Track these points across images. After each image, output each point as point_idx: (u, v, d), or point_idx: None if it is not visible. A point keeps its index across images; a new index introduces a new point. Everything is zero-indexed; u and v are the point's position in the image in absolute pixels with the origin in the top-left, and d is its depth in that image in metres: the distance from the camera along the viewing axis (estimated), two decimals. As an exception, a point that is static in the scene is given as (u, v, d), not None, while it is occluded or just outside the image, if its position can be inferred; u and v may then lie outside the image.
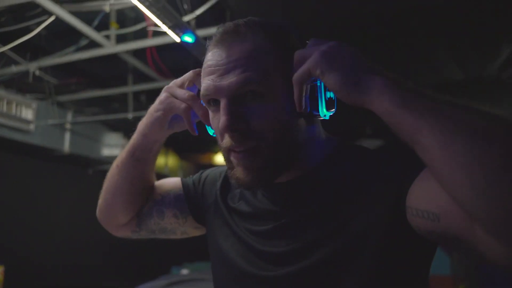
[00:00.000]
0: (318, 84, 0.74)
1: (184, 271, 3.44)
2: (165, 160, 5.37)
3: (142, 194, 1.03)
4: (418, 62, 2.83)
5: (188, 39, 2.05)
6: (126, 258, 4.78)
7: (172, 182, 1.08)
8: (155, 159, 1.02)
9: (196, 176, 1.07)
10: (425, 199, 0.64)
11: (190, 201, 1.03)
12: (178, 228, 1.05)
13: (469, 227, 0.55)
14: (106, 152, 4.32)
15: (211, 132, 0.86)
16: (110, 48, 2.67)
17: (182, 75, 3.02)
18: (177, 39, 2.07)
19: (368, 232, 0.71)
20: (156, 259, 4.96)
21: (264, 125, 0.73)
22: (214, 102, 0.76)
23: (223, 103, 0.73)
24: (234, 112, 0.72)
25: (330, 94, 0.74)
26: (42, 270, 3.81)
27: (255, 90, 0.72)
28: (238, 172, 0.76)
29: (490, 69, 2.84)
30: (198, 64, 2.71)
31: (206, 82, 0.75)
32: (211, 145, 5.69)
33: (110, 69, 3.60)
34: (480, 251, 0.56)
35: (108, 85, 3.64)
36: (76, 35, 2.66)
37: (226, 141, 0.75)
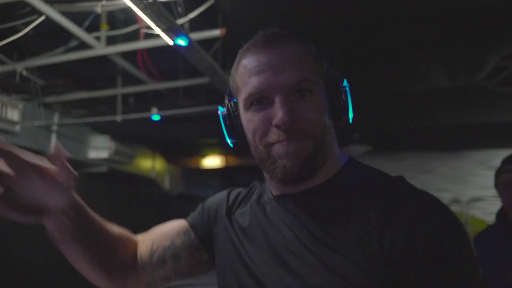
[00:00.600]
0: (345, 88, 0.81)
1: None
2: (152, 164, 5.33)
3: (117, 261, 0.97)
4: (407, 69, 2.86)
5: (182, 42, 2.04)
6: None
7: (177, 223, 1.05)
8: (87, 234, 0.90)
9: (198, 209, 1.05)
10: None
11: (199, 234, 0.99)
12: (195, 267, 1.00)
13: None
14: (93, 154, 4.27)
15: (229, 140, 0.89)
16: (100, 49, 2.64)
17: (172, 78, 3.03)
18: (170, 42, 2.06)
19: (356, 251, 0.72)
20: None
21: (314, 120, 0.78)
22: (259, 101, 0.79)
23: (279, 98, 0.76)
24: (290, 107, 0.76)
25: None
26: (27, 270, 3.74)
27: (308, 88, 0.78)
28: (285, 161, 0.78)
29: (477, 78, 2.88)
30: (188, 67, 2.67)
31: (257, 80, 0.78)
32: (198, 149, 5.67)
33: (98, 71, 3.56)
34: None
35: (95, 87, 3.60)
36: (66, 35, 2.63)
37: (273, 135, 0.78)
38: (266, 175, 0.88)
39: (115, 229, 1.01)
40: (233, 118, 0.86)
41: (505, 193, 2.02)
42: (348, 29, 2.50)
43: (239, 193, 1.00)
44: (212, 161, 5.88)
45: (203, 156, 5.93)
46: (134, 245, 1.04)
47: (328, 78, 0.83)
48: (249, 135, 0.83)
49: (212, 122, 4.17)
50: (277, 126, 0.76)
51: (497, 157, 5.03)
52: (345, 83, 0.83)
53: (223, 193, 1.03)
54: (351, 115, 0.82)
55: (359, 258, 0.71)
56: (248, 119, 0.81)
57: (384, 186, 0.79)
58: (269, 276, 0.80)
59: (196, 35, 2.29)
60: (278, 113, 0.75)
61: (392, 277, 0.69)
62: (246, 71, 0.80)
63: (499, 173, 2.11)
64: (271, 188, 0.90)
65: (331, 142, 0.82)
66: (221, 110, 0.89)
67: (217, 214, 0.99)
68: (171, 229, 1.03)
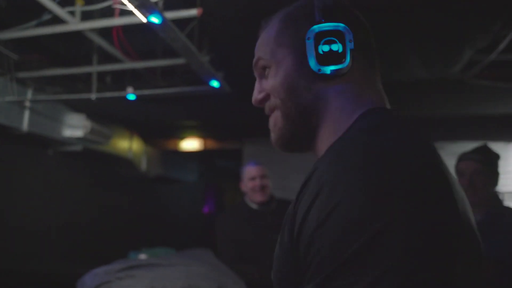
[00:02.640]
0: (307, 40, 0.78)
1: (142, 256, 3.40)
2: (129, 145, 5.27)
3: None
4: (384, 59, 2.86)
5: (155, 20, 2.00)
6: (83, 242, 4.69)
7: None
8: None
9: None
10: None
11: None
12: None
13: None
14: (67, 133, 4.19)
15: None
16: (74, 25, 2.57)
17: (150, 58, 2.99)
18: (144, 19, 2.02)
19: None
20: (113, 244, 4.89)
21: (273, 90, 0.84)
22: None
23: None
24: (258, 86, 0.90)
25: (331, 47, 0.76)
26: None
27: (264, 65, 0.87)
28: (271, 135, 0.88)
29: (453, 70, 2.90)
30: (166, 47, 2.64)
31: None
32: (177, 131, 5.63)
33: (75, 48, 3.48)
34: None
35: (72, 64, 3.52)
36: (40, 9, 2.55)
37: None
38: None
39: None
40: None
41: (459, 180, 2.10)
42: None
43: None
44: (191, 144, 5.84)
45: (182, 138, 5.88)
46: None
47: (300, 35, 0.79)
48: None
49: (191, 104, 4.14)
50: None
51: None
52: (319, 28, 0.76)
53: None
54: (316, 67, 0.75)
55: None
56: None
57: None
58: None
59: (172, 14, 2.24)
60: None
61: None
62: None
63: (457, 160, 2.22)
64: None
65: (305, 100, 0.78)
66: None
67: None
68: None
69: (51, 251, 4.36)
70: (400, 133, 0.68)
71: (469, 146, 5.12)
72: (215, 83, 2.98)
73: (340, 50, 0.75)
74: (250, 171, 3.07)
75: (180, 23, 2.53)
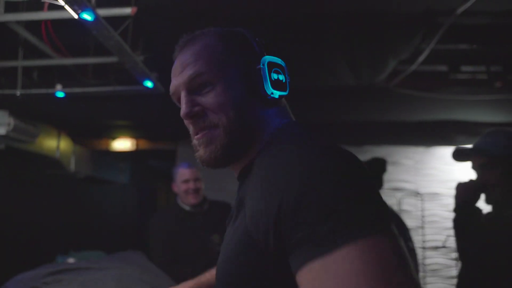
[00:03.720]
0: (262, 66, 0.87)
1: (71, 260, 3.27)
2: (57, 144, 5.03)
3: None
4: (314, 65, 2.99)
5: (87, 17, 1.95)
6: (6, 247, 4.41)
7: None
8: None
9: None
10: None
11: None
12: None
13: None
14: (-12, 130, 3.93)
15: None
16: (-2, 16, 2.43)
17: (81, 54, 2.89)
18: (75, 16, 1.96)
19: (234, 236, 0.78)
20: (39, 248, 4.64)
21: (218, 107, 0.85)
22: (179, 99, 0.90)
23: (182, 95, 0.87)
24: (190, 100, 0.86)
25: (278, 76, 0.90)
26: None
27: (206, 80, 0.86)
28: (200, 151, 0.88)
29: (379, 78, 3.09)
30: (100, 44, 2.56)
31: (171, 86, 0.91)
32: (109, 130, 5.46)
33: (-1, 40, 3.28)
34: None
35: (-6, 57, 3.31)
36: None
37: (191, 129, 0.89)
38: None
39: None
40: None
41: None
42: (259, 23, 2.54)
43: None
44: (123, 144, 5.69)
45: (113, 138, 5.71)
46: None
47: (245, 60, 0.89)
48: None
49: (123, 103, 4.04)
50: (184, 119, 0.88)
51: (396, 153, 5.45)
52: (269, 59, 0.89)
53: None
54: (269, 90, 0.87)
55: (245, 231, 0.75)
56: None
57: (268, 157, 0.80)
58: None
59: (105, 11, 2.19)
60: (181, 109, 0.86)
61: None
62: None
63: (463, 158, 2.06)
64: None
65: (250, 118, 0.87)
66: None
67: None
68: None
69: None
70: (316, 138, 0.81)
71: (391, 149, 5.47)
72: (148, 83, 2.95)
73: (284, 80, 0.91)
74: (183, 173, 3.06)
75: (115, 21, 2.48)
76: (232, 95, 0.86)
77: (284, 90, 0.90)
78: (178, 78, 0.88)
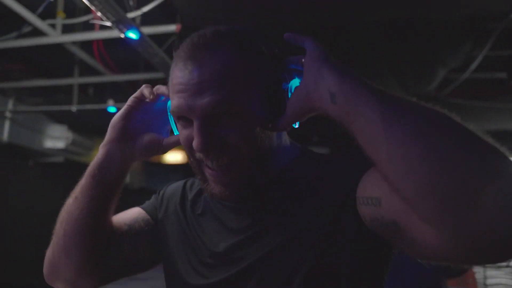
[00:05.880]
0: (286, 90, 0.76)
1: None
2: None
3: (105, 230, 0.88)
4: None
5: (132, 35, 2.03)
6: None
7: (134, 210, 0.98)
8: (121, 181, 0.89)
9: (153, 196, 1.01)
10: (369, 187, 0.67)
11: (155, 218, 0.95)
12: (152, 256, 0.94)
13: (406, 211, 0.58)
14: (49, 144, 4.19)
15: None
16: (54, 37, 2.59)
17: (131, 71, 2.98)
18: (121, 35, 2.05)
19: (313, 225, 0.74)
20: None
21: (238, 141, 0.74)
22: (185, 118, 0.75)
23: (196, 124, 0.72)
24: (208, 132, 0.72)
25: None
26: None
27: (228, 110, 0.72)
28: (215, 189, 0.77)
29: (428, 88, 2.98)
30: (147, 60, 2.62)
31: (177, 100, 0.74)
32: (161, 144, 5.63)
33: (57, 59, 3.49)
34: (414, 238, 0.59)
35: (54, 75, 3.53)
36: (20, 20, 2.57)
37: (199, 154, 0.75)
38: None
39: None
40: None
41: None
42: (306, 31, 2.53)
43: (194, 182, 0.98)
44: (174, 157, 5.84)
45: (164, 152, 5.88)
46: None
47: (268, 79, 0.77)
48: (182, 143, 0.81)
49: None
50: (197, 151, 0.74)
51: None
52: (292, 83, 0.77)
53: (180, 183, 1.00)
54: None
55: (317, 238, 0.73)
56: (179, 129, 0.80)
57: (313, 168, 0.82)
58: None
59: (150, 29, 2.28)
60: (195, 139, 0.72)
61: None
62: (172, 85, 0.76)
63: None
64: None
65: (269, 147, 0.80)
66: None
67: (168, 202, 0.96)
68: (130, 214, 0.96)
69: (30, 263, 4.30)
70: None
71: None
72: (194, 97, 3.01)
73: None
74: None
75: (160, 38, 2.56)
76: (253, 124, 0.75)
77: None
78: (192, 99, 0.72)
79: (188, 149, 0.77)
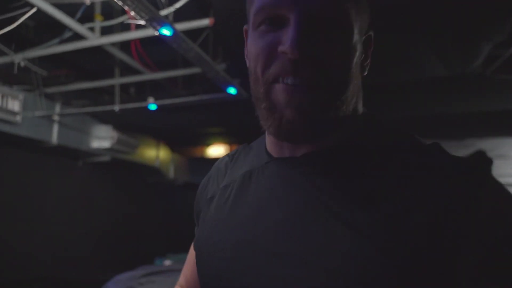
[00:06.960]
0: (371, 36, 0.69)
1: (167, 262, 3.47)
2: (156, 153, 5.39)
3: None
4: (400, 58, 2.84)
5: (166, 32, 2.07)
6: (111, 249, 4.82)
7: (191, 258, 0.90)
8: None
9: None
10: None
11: None
12: None
13: None
14: (95, 144, 4.34)
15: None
16: (93, 40, 2.68)
17: (169, 68, 3.07)
18: (155, 32, 2.09)
19: (408, 222, 0.56)
20: (141, 250, 5.00)
21: (337, 64, 0.60)
22: (272, 20, 0.61)
23: (296, 18, 0.58)
24: (308, 33, 0.58)
25: None
26: (30, 262, 3.84)
27: (342, 19, 0.60)
28: (285, 113, 0.60)
29: (473, 65, 2.85)
30: (185, 57, 2.66)
31: None
32: (203, 138, 5.72)
33: (100, 62, 3.61)
34: None
35: (97, 78, 3.65)
36: (63, 27, 2.67)
37: (276, 67, 0.60)
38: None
39: None
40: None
41: None
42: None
43: (219, 170, 0.87)
44: (217, 150, 5.92)
45: (208, 145, 5.97)
46: None
47: (365, 22, 0.66)
48: (250, 63, 0.66)
49: (215, 111, 4.20)
50: (283, 53, 0.58)
51: (503, 145, 4.98)
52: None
53: (204, 180, 0.91)
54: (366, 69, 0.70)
55: (386, 242, 0.55)
56: (253, 41, 0.64)
57: (416, 153, 0.63)
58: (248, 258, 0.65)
59: (183, 25, 2.30)
60: (289, 37, 0.57)
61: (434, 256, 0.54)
62: None
63: None
64: (268, 146, 0.74)
65: (354, 98, 0.66)
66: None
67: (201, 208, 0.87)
68: (189, 270, 0.90)
69: (82, 258, 4.50)
70: None
71: (497, 142, 5.00)
72: (232, 90, 3.04)
73: None
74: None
75: (194, 33, 2.59)
76: (355, 51, 0.63)
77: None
78: None
79: (264, 60, 0.62)
